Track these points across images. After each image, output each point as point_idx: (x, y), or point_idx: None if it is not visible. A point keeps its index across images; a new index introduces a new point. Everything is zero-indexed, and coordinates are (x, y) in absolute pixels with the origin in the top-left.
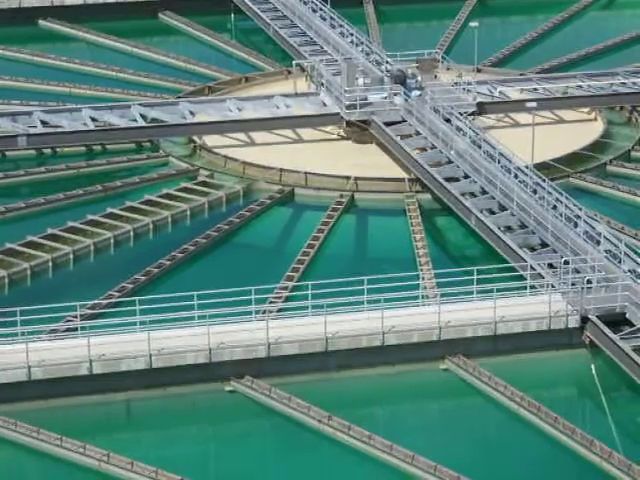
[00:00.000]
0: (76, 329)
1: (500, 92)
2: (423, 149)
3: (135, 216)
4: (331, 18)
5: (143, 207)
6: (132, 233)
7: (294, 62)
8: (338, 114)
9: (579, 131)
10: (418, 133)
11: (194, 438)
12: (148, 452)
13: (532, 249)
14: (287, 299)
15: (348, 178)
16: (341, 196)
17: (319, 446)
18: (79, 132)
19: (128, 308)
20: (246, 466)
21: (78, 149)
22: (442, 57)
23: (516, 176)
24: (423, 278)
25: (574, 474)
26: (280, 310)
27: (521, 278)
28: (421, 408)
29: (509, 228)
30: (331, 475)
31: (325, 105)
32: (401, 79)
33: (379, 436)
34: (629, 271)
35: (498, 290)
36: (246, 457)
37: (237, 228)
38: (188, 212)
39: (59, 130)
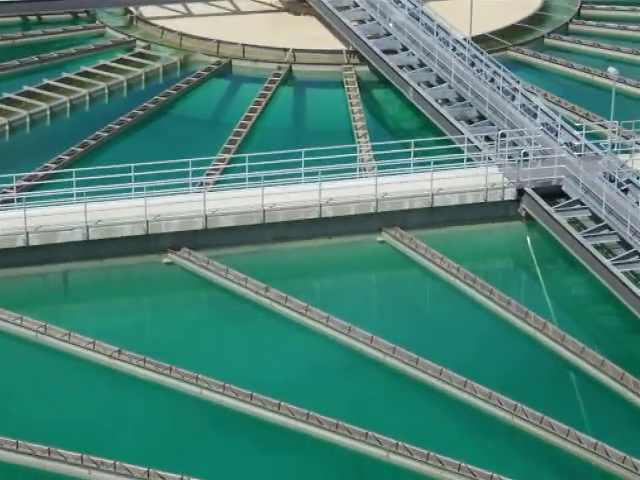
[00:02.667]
0: (12, 201)
1: None
2: (361, 21)
3: (71, 87)
4: None
5: (79, 78)
6: (68, 104)
7: None
8: None
9: (518, 4)
10: (356, 5)
11: (131, 310)
12: (85, 323)
13: (469, 122)
14: (224, 171)
15: (286, 50)
16: (279, 68)
17: (256, 317)
18: (14, 2)
19: (65, 180)
20: (183, 337)
21: (13, 19)
22: None
23: (454, 49)
24: (360, 150)
25: (509, 345)
26: (217, 182)
27: (458, 151)
28: (358, 280)
29: (447, 101)
30: (268, 346)
31: None
32: None
33: (316, 307)
34: (565, 144)
35: (435, 163)
36: (183, 328)
37: (174, 100)
38: (125, 83)
39: None
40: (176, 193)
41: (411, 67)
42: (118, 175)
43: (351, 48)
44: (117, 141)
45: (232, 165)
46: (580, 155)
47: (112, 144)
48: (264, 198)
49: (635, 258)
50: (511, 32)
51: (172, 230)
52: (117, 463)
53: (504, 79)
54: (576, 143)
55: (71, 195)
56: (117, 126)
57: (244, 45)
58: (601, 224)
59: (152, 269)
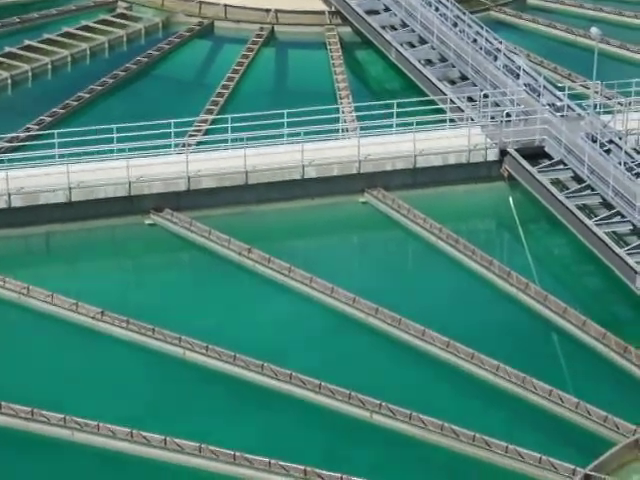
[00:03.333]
0: None
1: None
2: None
3: (53, 48)
4: None
5: (61, 39)
6: (50, 66)
7: None
8: None
9: None
10: None
11: (114, 271)
12: (68, 285)
13: (452, 82)
14: (207, 132)
15: (268, 11)
16: (261, 29)
17: (239, 279)
18: None
19: (47, 141)
20: (166, 298)
21: None
22: None
23: (437, 9)
24: (343, 112)
25: (491, 305)
26: (200, 143)
27: (441, 112)
28: (340, 241)
29: (429, 61)
30: (251, 307)
31: None
32: None
33: (299, 269)
34: (548, 105)
35: (418, 123)
36: (166, 290)
37: (156, 61)
38: (106, 44)
39: None
40: (158, 154)
41: (393, 28)
42: (100, 136)
43: (333, 9)
44: (99, 102)
45: (214, 126)
46: (562, 116)
47: (94, 105)
48: (246, 159)
49: (617, 218)
50: None
51: (155, 191)
52: (100, 424)
53: (486, 40)
54: (558, 104)
55: (53, 156)
56: (99, 87)
57: (226, 6)
58: (583, 184)
59: (135, 230)
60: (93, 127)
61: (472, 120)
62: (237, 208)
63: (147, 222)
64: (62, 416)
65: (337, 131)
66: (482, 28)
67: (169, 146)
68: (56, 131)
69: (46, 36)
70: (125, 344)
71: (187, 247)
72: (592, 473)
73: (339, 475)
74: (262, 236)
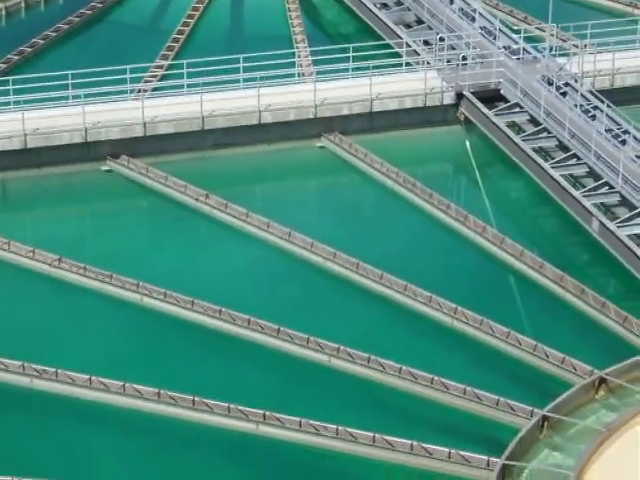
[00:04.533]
0: None
1: None
2: None
3: None
4: None
5: None
6: (4, 12)
7: None
8: None
9: None
10: None
11: (71, 218)
12: (25, 232)
13: (408, 26)
14: (163, 78)
15: None
16: None
17: (196, 224)
18: None
19: (2, 88)
20: (123, 245)
21: None
22: None
23: None
24: (299, 56)
25: (449, 248)
26: (156, 89)
27: (397, 55)
28: (298, 186)
29: (385, 5)
30: (209, 253)
31: None
32: None
33: (256, 214)
34: (504, 47)
35: (374, 67)
36: (123, 236)
37: (111, 7)
38: None
39: None
40: (114, 100)
41: None
42: (55, 83)
43: None
44: (54, 49)
45: (170, 72)
46: (518, 59)
47: (48, 52)
48: (203, 105)
49: (573, 161)
50: None
51: (111, 137)
52: (59, 371)
53: None
54: (514, 46)
55: (8, 103)
56: (53, 33)
57: None
58: (539, 127)
59: (91, 177)
60: (48, 73)
61: (428, 64)
62: (194, 154)
63: (103, 168)
64: (20, 363)
65: (293, 76)
66: None
67: (125, 92)
68: (10, 78)
69: None
70: (82, 291)
71: (144, 193)
72: (550, 414)
73: (298, 419)
74: (219, 182)
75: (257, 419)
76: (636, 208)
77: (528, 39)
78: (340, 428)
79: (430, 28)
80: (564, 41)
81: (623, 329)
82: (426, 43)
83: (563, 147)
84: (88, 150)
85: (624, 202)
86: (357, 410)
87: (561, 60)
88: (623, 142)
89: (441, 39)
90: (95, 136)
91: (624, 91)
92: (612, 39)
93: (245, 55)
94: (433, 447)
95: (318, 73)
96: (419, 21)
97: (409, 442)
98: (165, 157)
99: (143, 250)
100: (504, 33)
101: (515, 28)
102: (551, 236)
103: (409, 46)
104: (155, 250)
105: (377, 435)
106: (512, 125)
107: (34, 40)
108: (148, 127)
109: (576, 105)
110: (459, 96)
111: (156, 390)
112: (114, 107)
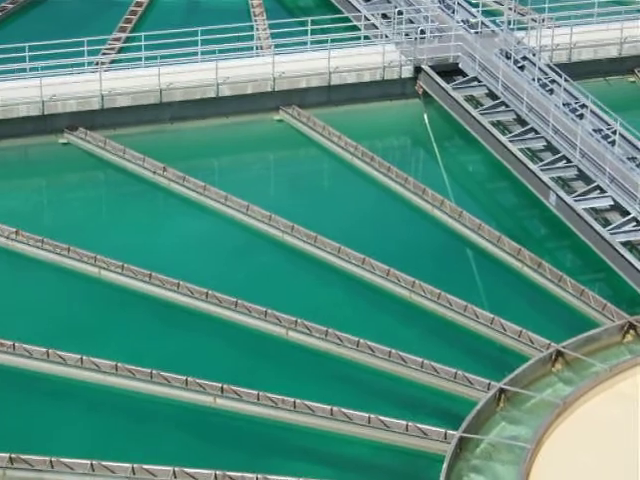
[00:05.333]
0: None
1: None
2: None
3: None
4: None
5: None
6: None
7: None
8: None
9: None
10: None
11: (28, 191)
12: None
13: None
14: (120, 50)
15: None
16: None
17: (154, 197)
18: None
19: None
20: (81, 218)
21: None
22: None
23: None
24: (257, 29)
25: (407, 222)
26: (113, 62)
27: (355, 29)
28: (256, 159)
29: None
30: (166, 225)
31: None
32: None
33: (214, 187)
34: (462, 21)
35: (332, 41)
36: (81, 209)
37: None
38: None
39: None
40: (72, 73)
41: None
42: (12, 55)
43: None
44: (11, 20)
45: (128, 44)
46: (477, 32)
47: (5, 24)
48: (161, 77)
49: (531, 134)
50: None
51: (68, 110)
52: (16, 344)
53: None
54: (473, 20)
55: None
56: (10, 5)
57: None
58: (497, 101)
59: (49, 150)
60: (5, 45)
61: (387, 37)
62: (152, 127)
63: (61, 141)
64: None
65: (252, 49)
66: None
67: (82, 65)
68: None
69: None
70: (40, 263)
71: (102, 166)
72: (507, 387)
73: (256, 392)
74: (177, 154)
75: (215, 392)
76: (593, 182)
77: (486, 13)
78: (298, 401)
79: (388, 2)
80: (522, 15)
81: (580, 302)
82: (384, 17)
83: (521, 121)
84: (45, 123)
85: (581, 176)
86: (315, 383)
87: (519, 34)
88: (581, 116)
89: (399, 13)
90: (52, 109)
91: (582, 65)
92: (570, 13)
93: (203, 28)
94: (390, 420)
95: (276, 46)
96: None
97: (366, 415)
98: (123, 130)
99: (101, 223)
100: (463, 7)
101: (473, 2)
102: (509, 210)
103: (367, 20)
104: (113, 223)
105: (335, 408)
106: (470, 99)
107: None
108: (106, 100)
109: (534, 79)
110: (417, 70)
111: (113, 363)
112: (71, 80)
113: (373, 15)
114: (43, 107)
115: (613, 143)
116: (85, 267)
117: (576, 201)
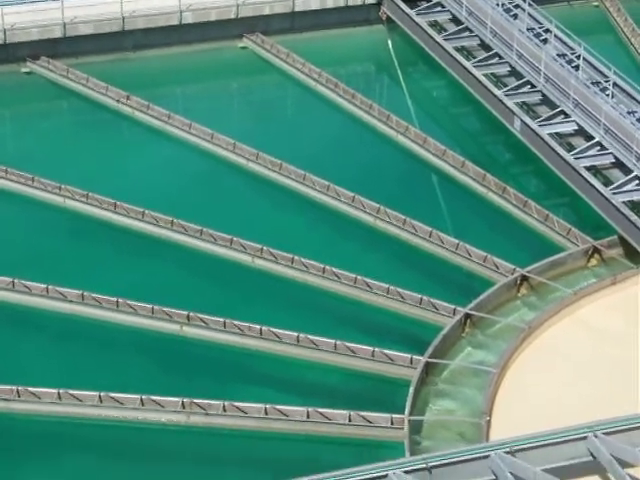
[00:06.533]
0: None
1: None
2: None
3: None
4: None
5: None
6: None
7: None
8: None
9: None
10: None
11: None
12: None
13: None
14: None
15: None
16: None
17: (118, 126)
18: None
19: None
20: (45, 147)
21: None
22: None
23: None
24: None
25: (371, 148)
26: None
27: None
28: (220, 87)
29: None
30: (130, 154)
31: None
32: None
33: (178, 115)
34: None
35: None
36: (44, 138)
37: None
38: None
39: None
40: (33, 1)
41: None
42: None
43: None
44: None
45: None
46: None
47: None
48: (123, 5)
49: (495, 60)
50: None
51: (30, 39)
52: None
53: None
54: None
55: None
56: None
57: None
58: (461, 26)
59: (11, 79)
60: None
61: None
62: (115, 55)
63: (23, 70)
64: None
65: None
66: None
67: None
68: None
69: None
70: (4, 193)
71: (65, 95)
72: (472, 312)
73: (222, 320)
74: (140, 83)
75: (181, 320)
76: (557, 107)
77: None
78: (264, 328)
79: None
80: None
81: (545, 227)
82: None
83: (485, 46)
84: (7, 51)
85: (545, 101)
86: (281, 310)
87: None
88: (545, 41)
89: None
90: (14, 37)
91: None
92: None
93: None
94: (357, 346)
95: None
96: None
97: (333, 341)
98: (86, 58)
99: (65, 152)
100: None
101: None
102: (473, 135)
103: None
104: (77, 152)
105: (301, 335)
106: (434, 24)
107: None
108: (68, 28)
109: (498, 4)
110: None
111: (80, 292)
112: (33, 8)
113: None
114: (5, 36)
115: (577, 68)
116: (50, 196)
117: (540, 126)
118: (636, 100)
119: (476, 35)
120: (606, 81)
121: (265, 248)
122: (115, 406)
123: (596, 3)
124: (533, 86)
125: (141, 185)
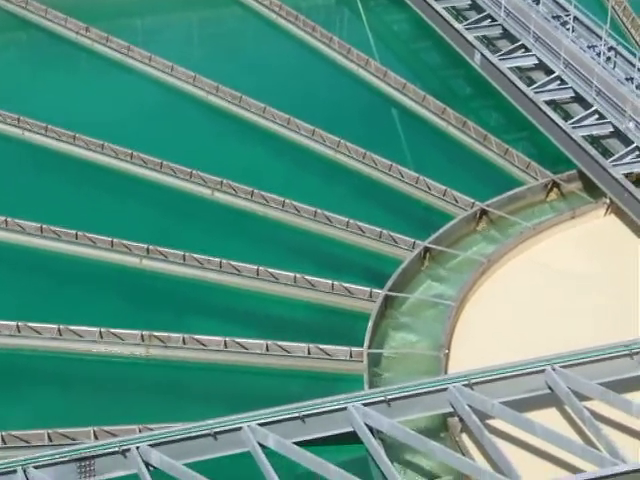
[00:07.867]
0: None
1: None
2: None
3: None
4: None
5: None
6: None
7: None
8: None
9: None
10: None
11: None
12: None
13: None
14: None
15: None
16: None
17: (77, 58)
18: None
19: None
20: (3, 80)
21: None
22: None
23: None
24: None
25: (332, 82)
26: None
27: None
28: (179, 19)
29: None
30: (90, 87)
31: None
32: None
33: (138, 47)
34: None
35: None
36: (2, 70)
37: None
38: None
39: None
40: None
41: None
42: None
43: None
44: None
45: None
46: None
47: None
48: None
49: None
50: None
51: None
52: None
53: None
54: None
55: None
56: None
57: None
58: None
59: None
60: None
61: None
62: None
63: None
64: None
65: None
66: None
67: None
68: None
69: None
70: None
71: (23, 26)
72: (431, 246)
73: (181, 253)
74: (100, 14)
75: (141, 253)
76: (518, 41)
77: None
78: (223, 261)
79: None
80: None
81: (504, 161)
82: None
83: None
84: None
85: (506, 35)
86: (241, 243)
87: None
88: None
89: None
90: None
91: None
92: None
93: None
94: (316, 279)
95: None
96: None
97: (292, 274)
98: None
99: (24, 84)
100: None
101: None
102: (434, 69)
103: None
104: (36, 84)
105: (261, 268)
106: None
107: None
108: None
109: None
110: None
111: (38, 225)
112: None
113: None
114: None
115: (538, 1)
116: (8, 129)
117: (501, 60)
118: (596, 34)
119: None
120: (567, 15)
121: (225, 181)
122: (74, 339)
123: None
124: (493, 20)
125: (100, 118)
